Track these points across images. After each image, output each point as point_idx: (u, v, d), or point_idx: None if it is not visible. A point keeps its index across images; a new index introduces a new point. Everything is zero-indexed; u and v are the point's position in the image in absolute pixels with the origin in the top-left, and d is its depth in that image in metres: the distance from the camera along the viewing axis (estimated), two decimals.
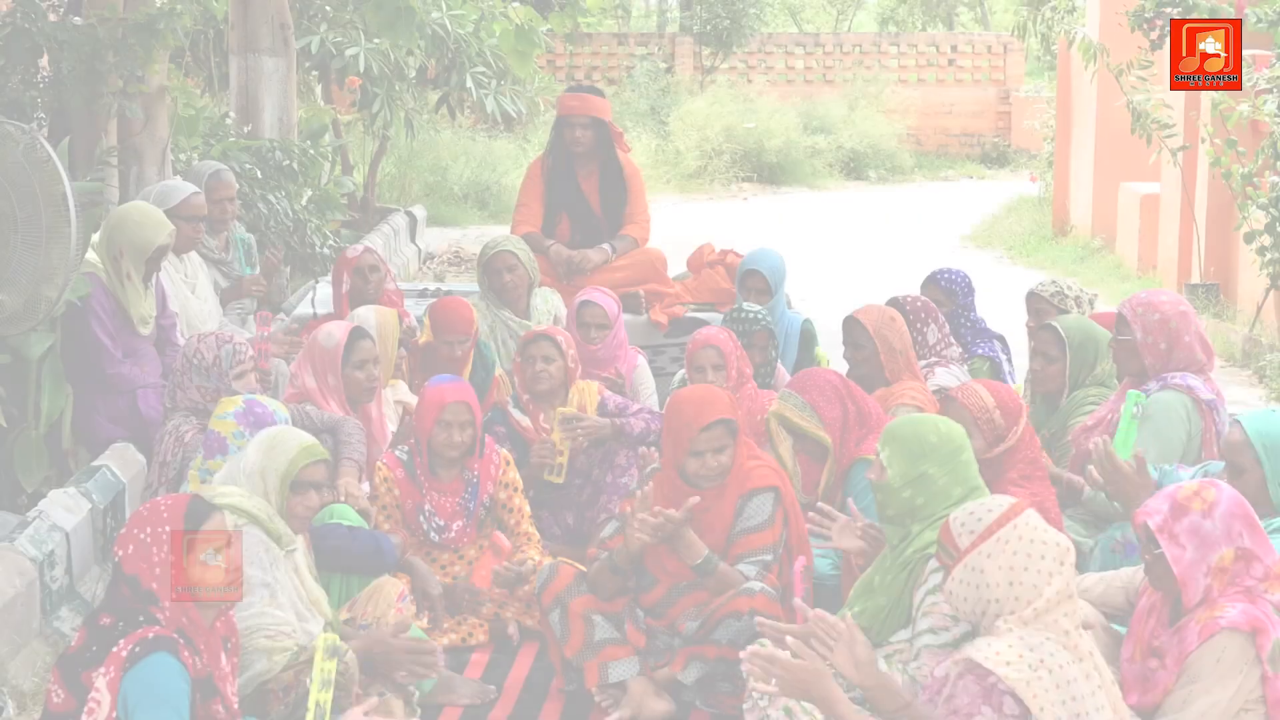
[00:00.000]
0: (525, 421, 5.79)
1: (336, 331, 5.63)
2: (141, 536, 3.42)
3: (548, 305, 6.94)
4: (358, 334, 5.64)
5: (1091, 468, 4.45)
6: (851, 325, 5.75)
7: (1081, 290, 6.42)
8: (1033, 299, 6.41)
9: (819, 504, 4.53)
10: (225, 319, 6.94)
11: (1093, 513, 5.08)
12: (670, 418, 4.63)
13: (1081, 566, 4.49)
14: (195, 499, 3.53)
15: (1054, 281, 6.48)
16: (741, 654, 3.63)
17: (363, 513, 4.97)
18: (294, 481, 4.09)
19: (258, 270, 7.37)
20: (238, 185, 8.42)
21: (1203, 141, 10.29)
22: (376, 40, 11.28)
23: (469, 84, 12.02)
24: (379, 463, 5.24)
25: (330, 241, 9.51)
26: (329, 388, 5.58)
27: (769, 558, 4.53)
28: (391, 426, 5.91)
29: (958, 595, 3.44)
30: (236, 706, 3.56)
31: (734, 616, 4.38)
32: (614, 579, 4.58)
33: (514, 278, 6.82)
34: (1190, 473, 4.72)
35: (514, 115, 12.86)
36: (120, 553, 3.43)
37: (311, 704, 3.42)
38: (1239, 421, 4.29)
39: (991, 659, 3.24)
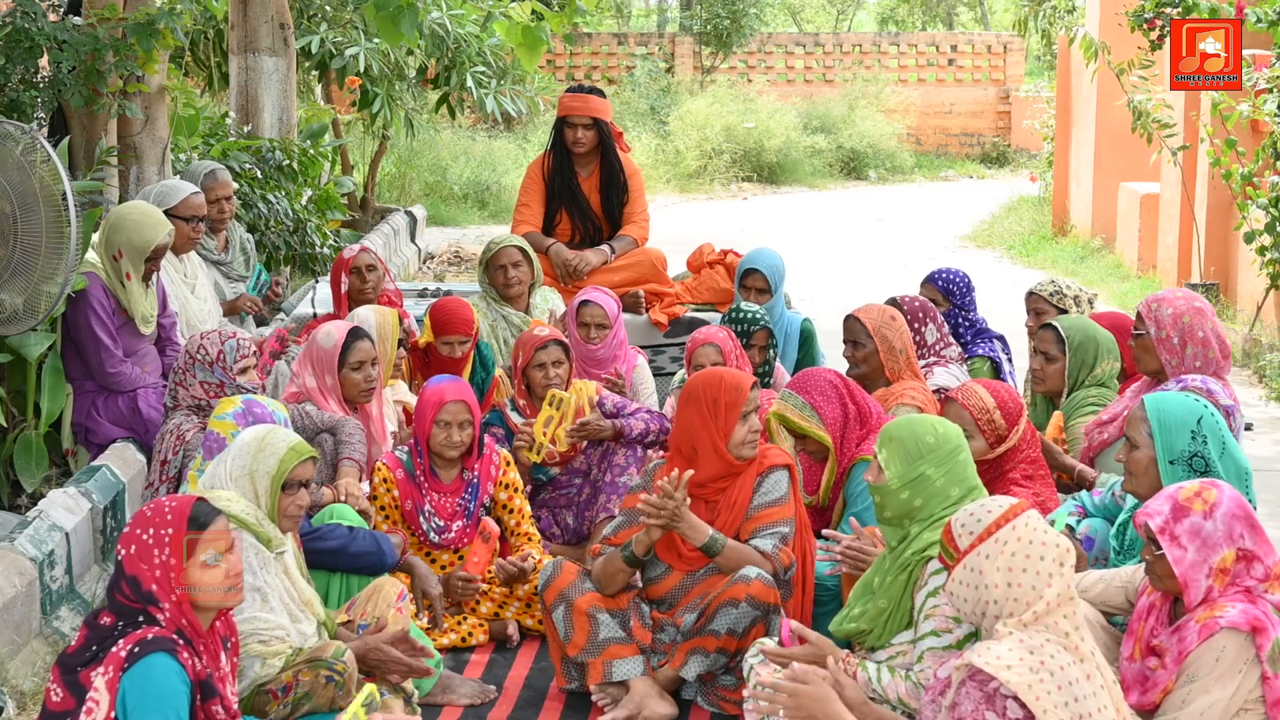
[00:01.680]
0: (522, 425, 5.78)
1: (335, 332, 5.62)
2: (144, 537, 3.42)
3: (546, 303, 6.94)
4: (356, 334, 5.63)
5: None
6: (852, 324, 5.75)
7: (1081, 289, 6.42)
8: (1032, 298, 6.41)
9: (824, 530, 4.53)
10: (225, 319, 6.95)
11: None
12: (704, 397, 4.58)
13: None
14: (200, 501, 3.52)
15: (1053, 281, 6.48)
16: (745, 692, 3.69)
17: (363, 513, 4.97)
18: (285, 481, 4.09)
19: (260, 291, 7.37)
20: (237, 185, 8.43)
21: (1202, 141, 10.29)
22: (376, 40, 11.28)
23: (469, 84, 12.02)
24: (379, 463, 5.23)
25: (330, 241, 9.51)
26: (327, 388, 5.58)
27: (786, 530, 4.55)
28: (391, 426, 5.91)
29: (958, 596, 3.44)
30: (236, 708, 3.56)
31: (731, 604, 4.37)
32: (624, 572, 4.58)
33: (519, 274, 6.82)
34: (1100, 495, 4.76)
35: (514, 115, 12.86)
36: (123, 552, 3.43)
37: None
38: (1144, 398, 4.31)
39: (993, 664, 3.23)
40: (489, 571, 5.11)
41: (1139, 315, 5.27)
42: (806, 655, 3.83)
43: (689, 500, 4.48)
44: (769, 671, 4.02)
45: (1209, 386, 5.01)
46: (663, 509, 4.42)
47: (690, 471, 4.46)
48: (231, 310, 7.10)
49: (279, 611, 4.03)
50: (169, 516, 3.44)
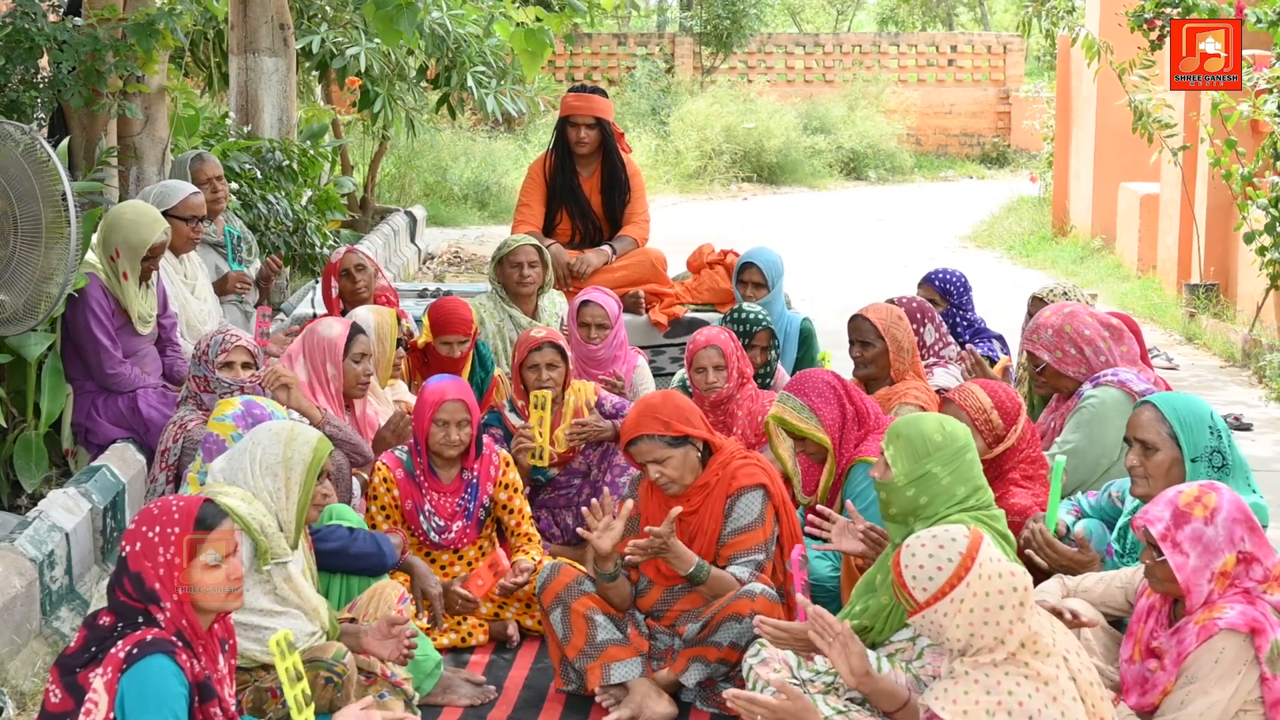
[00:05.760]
0: (520, 429, 5.77)
1: (337, 323, 5.65)
2: (150, 535, 3.41)
3: (555, 308, 6.92)
4: (356, 327, 5.66)
5: (1030, 552, 4.43)
6: (860, 323, 5.73)
7: (1081, 291, 6.41)
8: (1035, 303, 6.40)
9: (817, 506, 4.52)
10: (225, 319, 6.94)
11: None
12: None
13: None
14: (208, 503, 3.52)
15: (1059, 284, 6.48)
16: (725, 694, 3.70)
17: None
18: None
19: (252, 266, 7.34)
20: (236, 186, 8.42)
21: (1202, 141, 10.29)
22: (377, 40, 11.29)
23: (469, 84, 12.03)
24: (379, 462, 5.23)
25: (330, 242, 9.52)
26: (324, 379, 5.57)
27: (761, 557, 4.55)
28: None
29: (920, 631, 3.42)
30: (234, 709, 3.55)
31: (735, 619, 4.38)
32: (612, 589, 4.60)
33: (533, 273, 6.78)
34: (1096, 496, 4.74)
35: (514, 115, 12.86)
36: (127, 548, 3.42)
37: (290, 700, 3.42)
38: (1149, 401, 4.30)
39: (949, 709, 3.22)
40: (492, 594, 5.12)
41: (1029, 355, 5.31)
42: (805, 631, 3.80)
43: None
44: (769, 671, 4.02)
45: (1120, 377, 5.06)
46: (648, 548, 4.45)
47: (679, 509, 4.49)
48: (221, 291, 7.06)
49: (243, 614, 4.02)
50: (176, 515, 3.44)
